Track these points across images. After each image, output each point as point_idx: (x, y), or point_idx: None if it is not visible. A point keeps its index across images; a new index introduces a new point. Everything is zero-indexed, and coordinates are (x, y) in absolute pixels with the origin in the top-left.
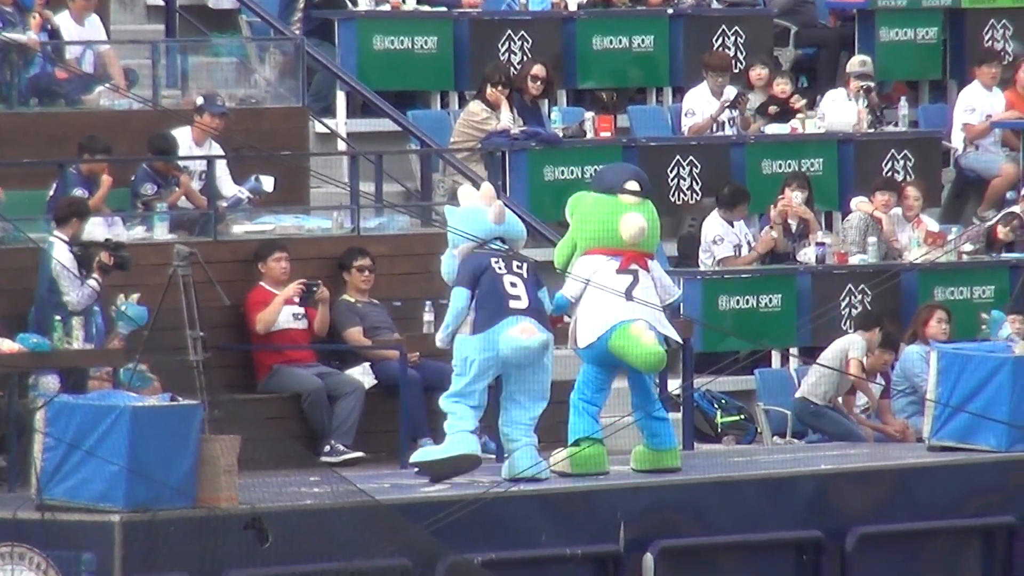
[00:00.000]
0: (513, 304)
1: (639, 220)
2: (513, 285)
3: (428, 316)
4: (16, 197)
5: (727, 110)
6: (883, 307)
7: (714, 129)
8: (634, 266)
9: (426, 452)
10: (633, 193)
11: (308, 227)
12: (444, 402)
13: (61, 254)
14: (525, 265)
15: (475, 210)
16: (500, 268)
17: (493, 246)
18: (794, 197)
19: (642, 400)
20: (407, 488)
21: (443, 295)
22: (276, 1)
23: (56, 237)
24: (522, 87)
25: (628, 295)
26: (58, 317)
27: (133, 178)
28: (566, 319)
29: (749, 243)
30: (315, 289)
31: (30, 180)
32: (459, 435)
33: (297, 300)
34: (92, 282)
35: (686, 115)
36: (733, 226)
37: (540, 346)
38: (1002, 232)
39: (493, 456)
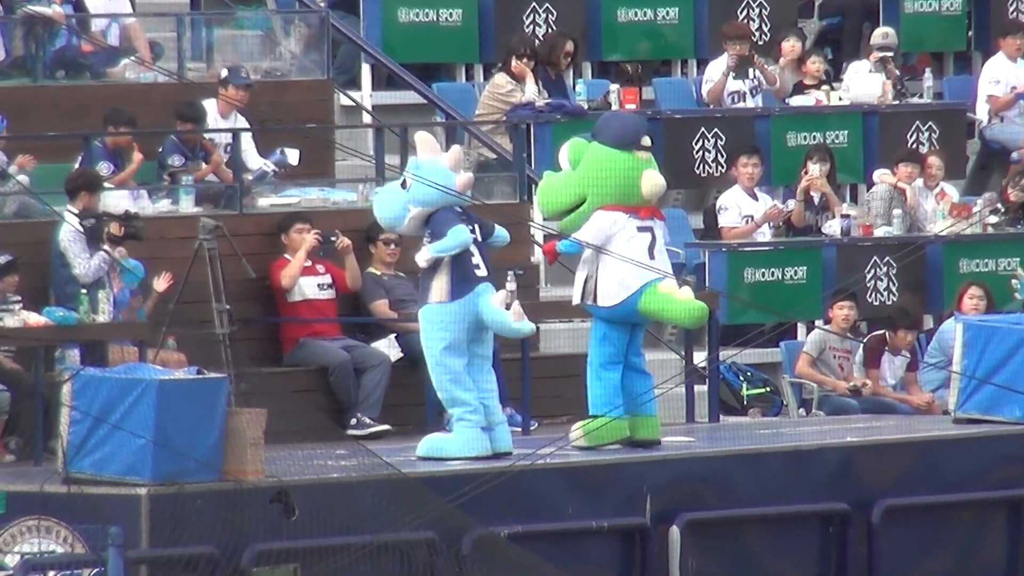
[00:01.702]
0: (479, 272)
1: (660, 178)
2: (476, 252)
3: (510, 285)
4: (42, 170)
5: (749, 79)
6: (908, 278)
7: (734, 100)
8: (650, 221)
9: (436, 445)
10: (647, 148)
11: (334, 200)
12: (440, 379)
13: (68, 227)
14: (478, 226)
15: (439, 168)
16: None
17: (457, 210)
18: (815, 170)
19: (630, 354)
20: (433, 461)
21: (503, 264)
22: None
23: (67, 210)
24: (550, 61)
25: (649, 255)
26: (84, 290)
27: (160, 150)
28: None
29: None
30: (333, 240)
31: (56, 153)
32: (471, 434)
33: (320, 253)
34: (102, 254)
35: (705, 83)
36: (757, 198)
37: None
38: (1013, 194)
39: (520, 428)
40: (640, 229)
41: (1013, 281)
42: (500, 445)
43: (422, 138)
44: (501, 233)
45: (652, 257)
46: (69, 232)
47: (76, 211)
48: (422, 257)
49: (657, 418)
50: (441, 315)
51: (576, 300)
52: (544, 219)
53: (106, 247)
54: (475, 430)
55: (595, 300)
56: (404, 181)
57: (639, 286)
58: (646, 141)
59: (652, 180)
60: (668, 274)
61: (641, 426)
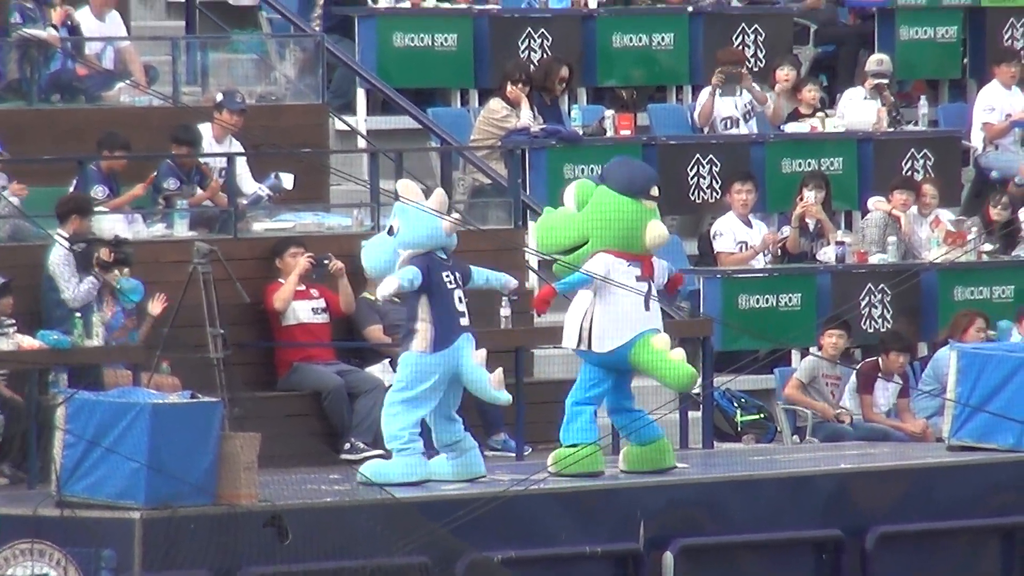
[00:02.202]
0: (462, 321)
1: (664, 229)
2: (460, 300)
3: (504, 311)
4: (37, 193)
5: (740, 101)
6: (902, 306)
7: (727, 126)
8: (648, 275)
9: (379, 470)
10: (654, 199)
11: (328, 225)
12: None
13: (58, 251)
14: (458, 275)
15: (427, 215)
16: (451, 283)
17: (440, 255)
18: (810, 197)
19: (620, 399)
20: (426, 486)
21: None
22: None
23: (57, 234)
24: (545, 86)
25: (645, 305)
26: (78, 314)
27: (155, 173)
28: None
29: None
30: (325, 262)
31: (51, 176)
32: (411, 459)
33: (313, 276)
34: (91, 278)
35: (696, 106)
36: (752, 225)
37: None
38: (995, 214)
39: (514, 455)
40: (638, 279)
41: (991, 332)
42: (474, 470)
43: (404, 185)
44: (475, 275)
45: (647, 309)
46: (58, 256)
47: (66, 235)
48: (383, 291)
49: (665, 439)
50: (419, 366)
51: (570, 344)
52: (541, 255)
53: (96, 271)
54: (414, 456)
55: (589, 346)
56: (391, 228)
57: (632, 336)
58: (655, 191)
59: (656, 231)
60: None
61: (659, 453)
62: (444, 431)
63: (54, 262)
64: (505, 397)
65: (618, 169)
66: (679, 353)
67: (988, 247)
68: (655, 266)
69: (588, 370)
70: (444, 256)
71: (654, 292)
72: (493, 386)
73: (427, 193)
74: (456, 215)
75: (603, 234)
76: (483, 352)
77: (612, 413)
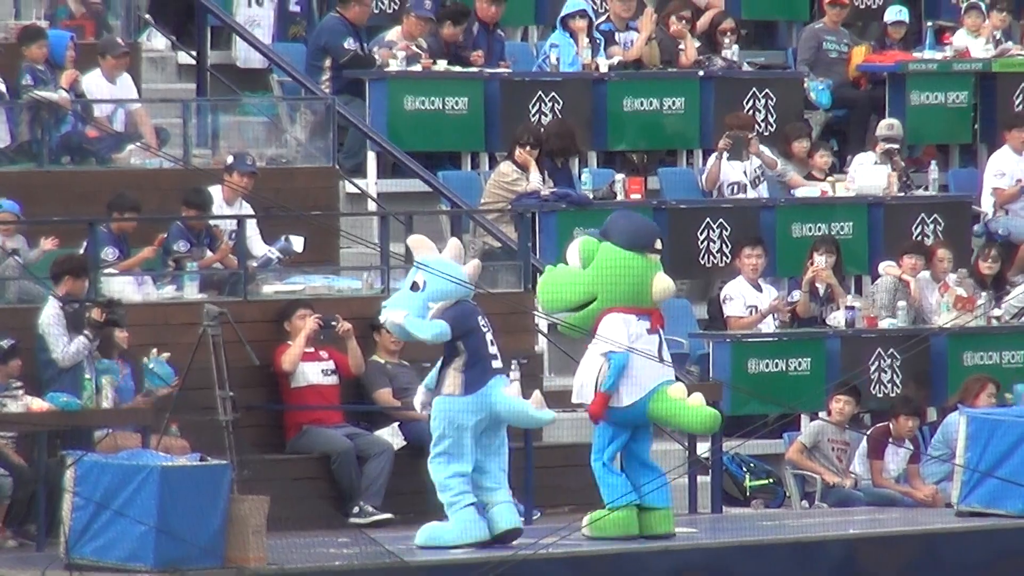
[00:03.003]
0: (495, 364)
1: (670, 281)
2: (492, 343)
3: (515, 374)
4: (46, 255)
5: (748, 166)
6: (912, 371)
7: (734, 191)
8: (658, 327)
9: (432, 533)
10: (658, 252)
11: (338, 287)
12: (437, 472)
13: (49, 310)
14: (487, 319)
15: (448, 264)
16: (485, 326)
17: (472, 302)
18: (820, 262)
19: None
20: (436, 550)
21: (508, 354)
22: (303, 60)
23: (51, 295)
24: (567, 147)
25: (660, 357)
26: (88, 376)
27: (166, 236)
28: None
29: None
30: (333, 324)
31: (61, 238)
32: (465, 515)
33: (321, 337)
34: (82, 339)
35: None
36: (761, 290)
37: (541, 421)
38: (985, 267)
39: (523, 519)
40: (649, 332)
41: (1007, 396)
42: (505, 523)
43: (416, 241)
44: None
45: (660, 360)
46: (50, 316)
47: (59, 295)
48: (419, 401)
49: (671, 510)
50: (451, 410)
51: (578, 399)
52: (546, 315)
53: (87, 332)
54: (471, 515)
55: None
56: (414, 284)
57: (649, 389)
58: (658, 244)
59: (663, 284)
60: (673, 379)
61: (656, 520)
62: (483, 473)
63: (45, 322)
64: (550, 415)
65: (621, 224)
66: (698, 398)
67: (998, 312)
68: (663, 323)
69: (604, 430)
70: (475, 303)
71: (664, 342)
72: (534, 408)
73: (440, 247)
74: (476, 262)
75: (612, 291)
76: (516, 385)
77: (629, 466)
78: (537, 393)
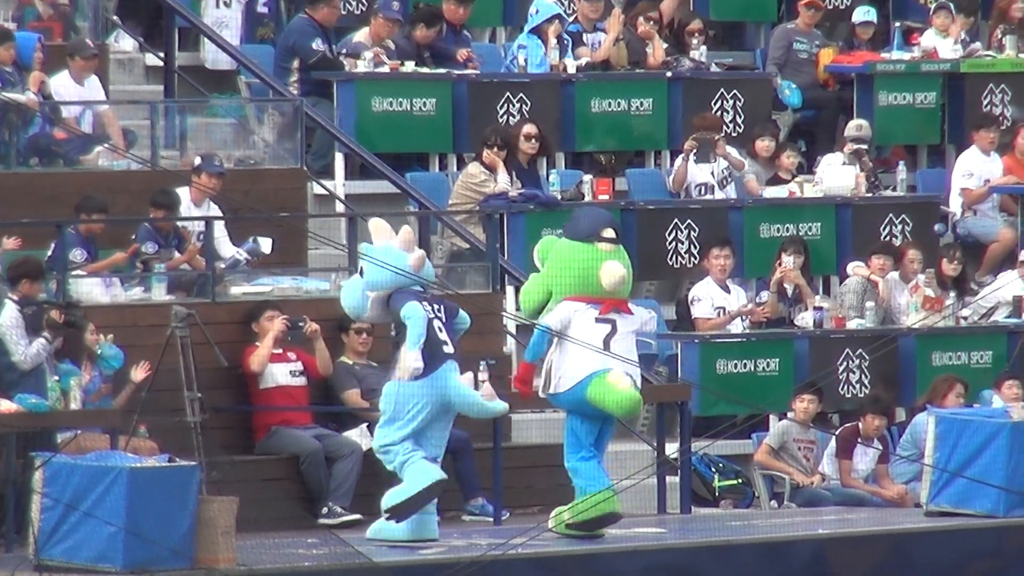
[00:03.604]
0: (445, 349)
1: (619, 269)
2: (440, 330)
3: (483, 375)
4: (14, 257)
5: (715, 167)
6: (880, 371)
7: (701, 192)
8: (612, 314)
9: (393, 495)
10: (609, 241)
11: (306, 289)
12: (380, 437)
13: (8, 313)
14: (442, 307)
15: (391, 251)
16: (430, 312)
17: (416, 290)
18: (789, 262)
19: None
20: (405, 550)
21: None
22: (271, 62)
23: (8, 298)
24: (515, 147)
25: (606, 345)
26: (55, 377)
27: (134, 237)
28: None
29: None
30: (300, 325)
31: (29, 240)
32: (418, 467)
33: (289, 338)
34: (41, 341)
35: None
36: (729, 291)
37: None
38: (950, 268)
39: (491, 519)
40: (599, 320)
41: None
42: (427, 532)
43: (375, 224)
44: (463, 316)
45: (607, 347)
46: (8, 319)
47: (16, 298)
48: (407, 369)
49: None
50: (401, 394)
51: (539, 389)
52: (525, 320)
53: (46, 334)
54: (423, 463)
55: (552, 388)
56: (361, 269)
57: (587, 374)
58: (608, 233)
59: (610, 271)
60: (632, 361)
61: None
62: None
63: (4, 324)
64: (501, 406)
65: (573, 218)
66: (627, 382)
67: (966, 312)
68: (634, 310)
69: (571, 425)
70: (419, 289)
71: (626, 331)
72: (486, 400)
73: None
74: (419, 252)
75: (561, 283)
76: (469, 375)
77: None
78: (487, 385)
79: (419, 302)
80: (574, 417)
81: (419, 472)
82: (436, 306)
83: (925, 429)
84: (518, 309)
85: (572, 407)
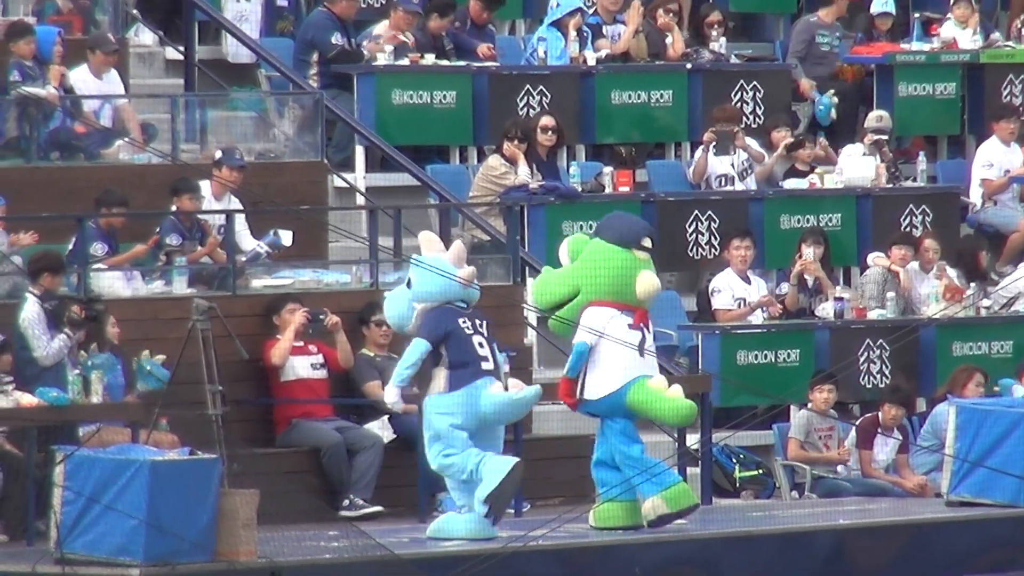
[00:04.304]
0: (484, 366)
1: (655, 280)
2: (481, 346)
3: (504, 367)
4: (35, 251)
5: (735, 159)
6: (901, 361)
7: (721, 183)
8: (641, 324)
9: (485, 488)
10: (647, 250)
11: (327, 281)
12: (435, 459)
13: (30, 309)
14: (486, 324)
15: (441, 264)
16: (468, 328)
17: (460, 304)
18: (808, 254)
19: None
20: (426, 542)
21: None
22: (290, 55)
23: (29, 292)
24: (533, 140)
25: (640, 352)
26: (76, 371)
27: (158, 229)
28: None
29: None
30: (321, 317)
31: (50, 234)
32: (491, 462)
33: (309, 331)
34: (63, 336)
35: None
36: (750, 282)
37: (528, 400)
38: (984, 260)
39: (512, 511)
40: (631, 327)
41: (995, 387)
42: (486, 531)
43: (426, 237)
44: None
45: (642, 355)
46: (30, 314)
47: (38, 293)
48: (390, 398)
49: (638, 503)
50: (438, 405)
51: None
52: (539, 312)
53: (67, 330)
54: (491, 456)
55: (586, 393)
56: (409, 280)
57: (628, 380)
58: (647, 242)
59: (647, 280)
60: (653, 373)
61: (629, 512)
62: (463, 490)
63: (26, 319)
64: (534, 390)
65: (611, 221)
66: (676, 389)
67: (987, 303)
68: (649, 323)
69: (610, 426)
70: (464, 305)
71: (649, 342)
72: (515, 393)
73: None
74: (471, 269)
75: (594, 284)
76: (499, 384)
77: (597, 464)
78: (512, 379)
79: (456, 318)
80: (616, 421)
81: (495, 464)
82: (479, 322)
83: (946, 419)
84: None
85: (607, 412)
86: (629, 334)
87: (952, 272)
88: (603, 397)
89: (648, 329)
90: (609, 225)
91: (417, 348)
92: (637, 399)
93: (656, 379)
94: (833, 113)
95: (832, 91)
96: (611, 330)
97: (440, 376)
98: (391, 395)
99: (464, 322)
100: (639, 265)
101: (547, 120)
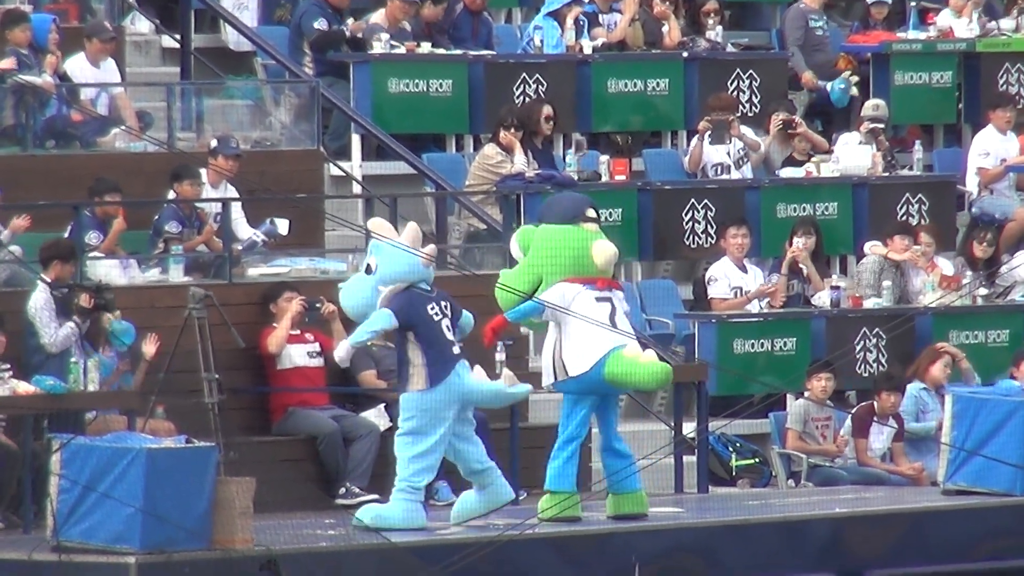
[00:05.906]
0: (454, 350)
1: (611, 246)
2: (448, 329)
3: (499, 356)
4: (31, 239)
5: (731, 148)
6: (897, 350)
7: (718, 172)
8: (607, 291)
9: (376, 514)
10: (593, 220)
11: (323, 269)
12: (401, 449)
13: (39, 296)
14: (448, 305)
15: (400, 247)
16: (436, 314)
17: (423, 287)
18: (798, 244)
19: (609, 438)
20: (422, 530)
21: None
22: (286, 43)
23: (40, 279)
24: (534, 129)
25: (611, 322)
26: (73, 359)
27: (157, 216)
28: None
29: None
30: (317, 306)
31: (46, 222)
32: (406, 505)
33: (306, 319)
34: (71, 324)
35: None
36: (746, 270)
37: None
38: (979, 251)
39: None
40: (598, 299)
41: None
42: (501, 499)
43: (377, 223)
44: (467, 317)
45: (614, 325)
46: (39, 301)
47: (48, 280)
48: (340, 353)
49: (643, 492)
50: (421, 403)
51: (548, 379)
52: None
53: (76, 318)
54: (412, 505)
55: (565, 374)
56: (368, 266)
57: (603, 352)
58: (591, 212)
59: (603, 248)
60: (630, 335)
61: (627, 502)
62: (468, 459)
63: (34, 307)
64: (524, 389)
65: (551, 204)
66: (650, 354)
67: (983, 291)
68: (619, 284)
69: (569, 410)
70: (427, 288)
71: (621, 308)
72: (508, 385)
73: (400, 229)
74: (431, 246)
75: (553, 267)
76: (479, 368)
77: (602, 451)
78: (507, 370)
79: (425, 304)
80: (572, 401)
81: (405, 510)
82: (444, 304)
83: (910, 399)
84: None
85: (584, 389)
86: (597, 307)
87: (946, 262)
88: (582, 374)
89: (618, 293)
90: (550, 208)
91: (382, 317)
92: (615, 371)
93: (630, 347)
94: (854, 90)
95: (850, 72)
96: (578, 305)
97: (418, 372)
98: (341, 350)
99: (432, 307)
100: (590, 236)
101: (548, 110)
